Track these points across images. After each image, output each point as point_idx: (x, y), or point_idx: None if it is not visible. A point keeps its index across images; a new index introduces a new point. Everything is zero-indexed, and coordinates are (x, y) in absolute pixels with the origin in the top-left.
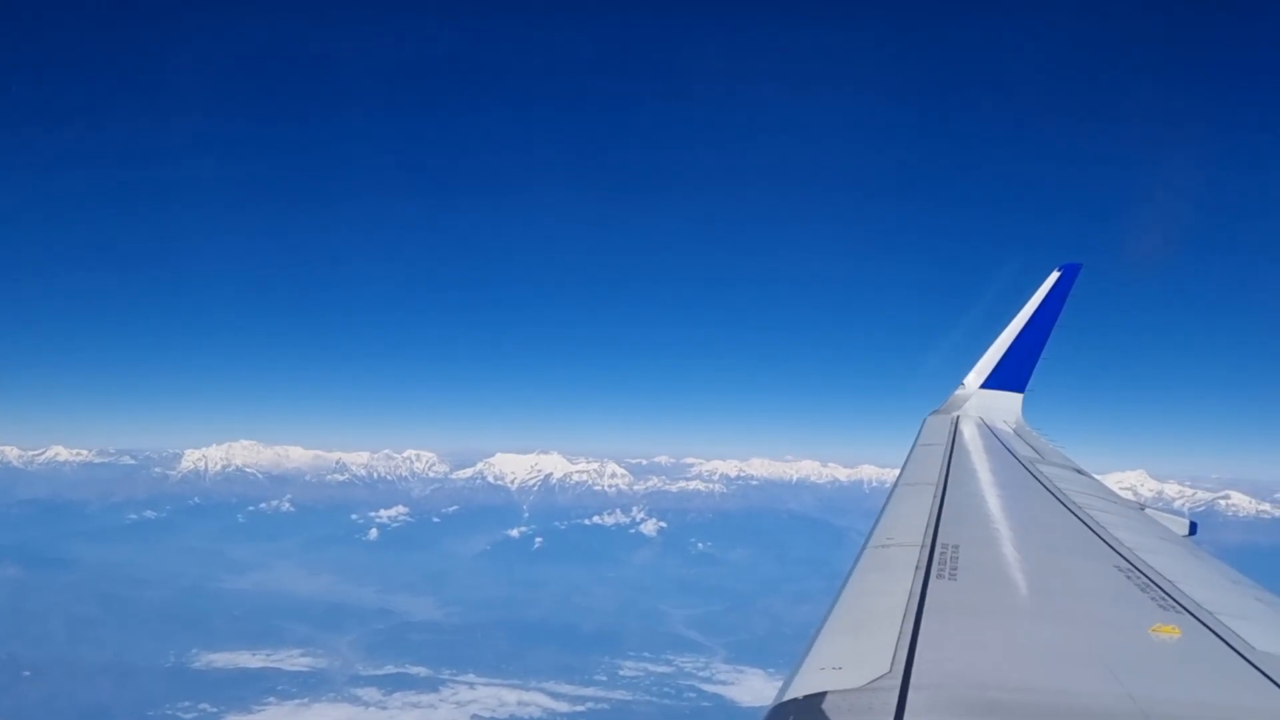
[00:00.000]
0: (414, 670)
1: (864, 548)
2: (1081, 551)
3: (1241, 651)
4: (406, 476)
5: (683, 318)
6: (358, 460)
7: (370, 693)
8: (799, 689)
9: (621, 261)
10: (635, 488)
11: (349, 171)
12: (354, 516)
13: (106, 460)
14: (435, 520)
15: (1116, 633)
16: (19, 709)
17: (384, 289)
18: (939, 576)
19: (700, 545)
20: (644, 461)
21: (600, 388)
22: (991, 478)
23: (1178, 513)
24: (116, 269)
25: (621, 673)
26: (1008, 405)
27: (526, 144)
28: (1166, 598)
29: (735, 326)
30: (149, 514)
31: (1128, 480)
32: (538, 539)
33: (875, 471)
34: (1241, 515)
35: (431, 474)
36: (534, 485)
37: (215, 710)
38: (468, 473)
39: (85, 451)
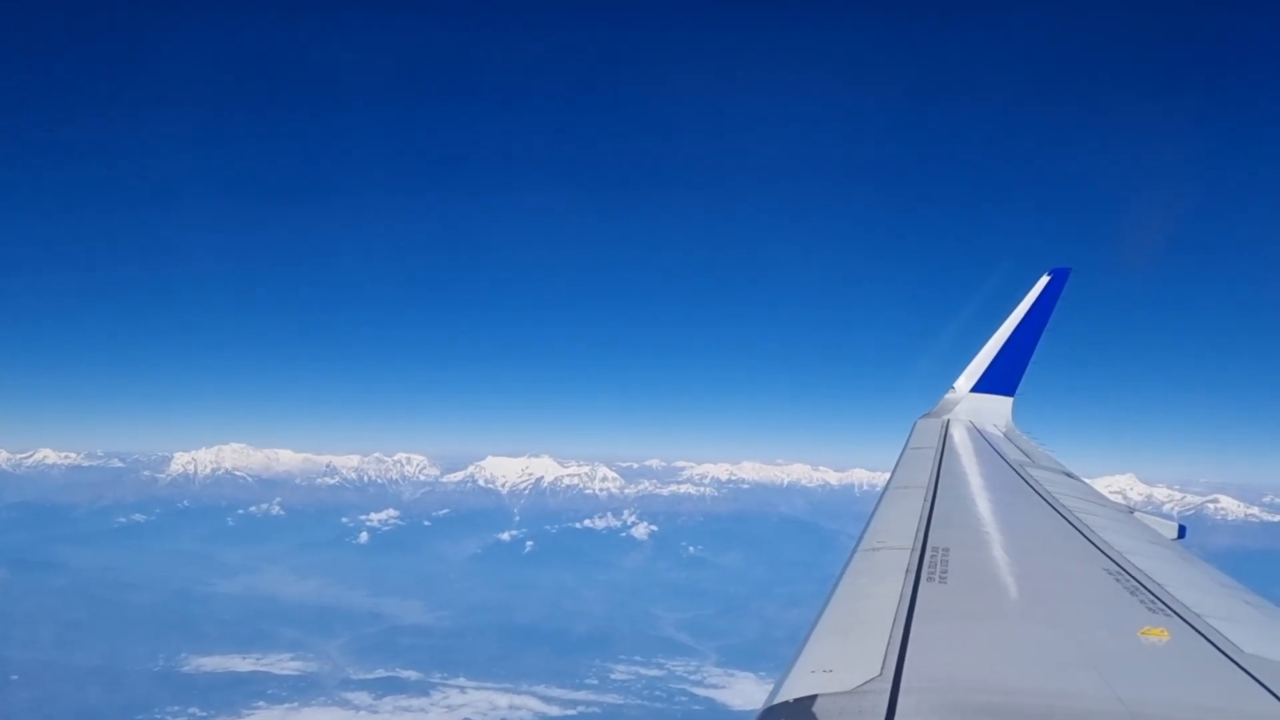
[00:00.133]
0: (405, 674)
1: (854, 551)
2: (1071, 554)
3: (1230, 654)
4: (397, 480)
5: (674, 322)
6: (348, 463)
7: (361, 697)
8: (790, 692)
9: (614, 265)
10: (626, 491)
11: (340, 174)
12: (344, 520)
13: (95, 463)
14: (426, 523)
15: (1106, 635)
16: (8, 713)
17: (375, 292)
18: (929, 579)
19: (691, 549)
20: (635, 465)
21: (592, 391)
22: (982, 481)
23: (1167, 516)
24: (105, 270)
25: (613, 676)
26: (998, 409)
27: (519, 147)
28: (1155, 600)
29: (727, 330)
30: (138, 517)
31: (1117, 484)
32: (529, 542)
33: (866, 475)
34: (1230, 519)
35: (422, 477)
36: (525, 489)
37: (205, 714)
38: (458, 476)
39: (73, 454)
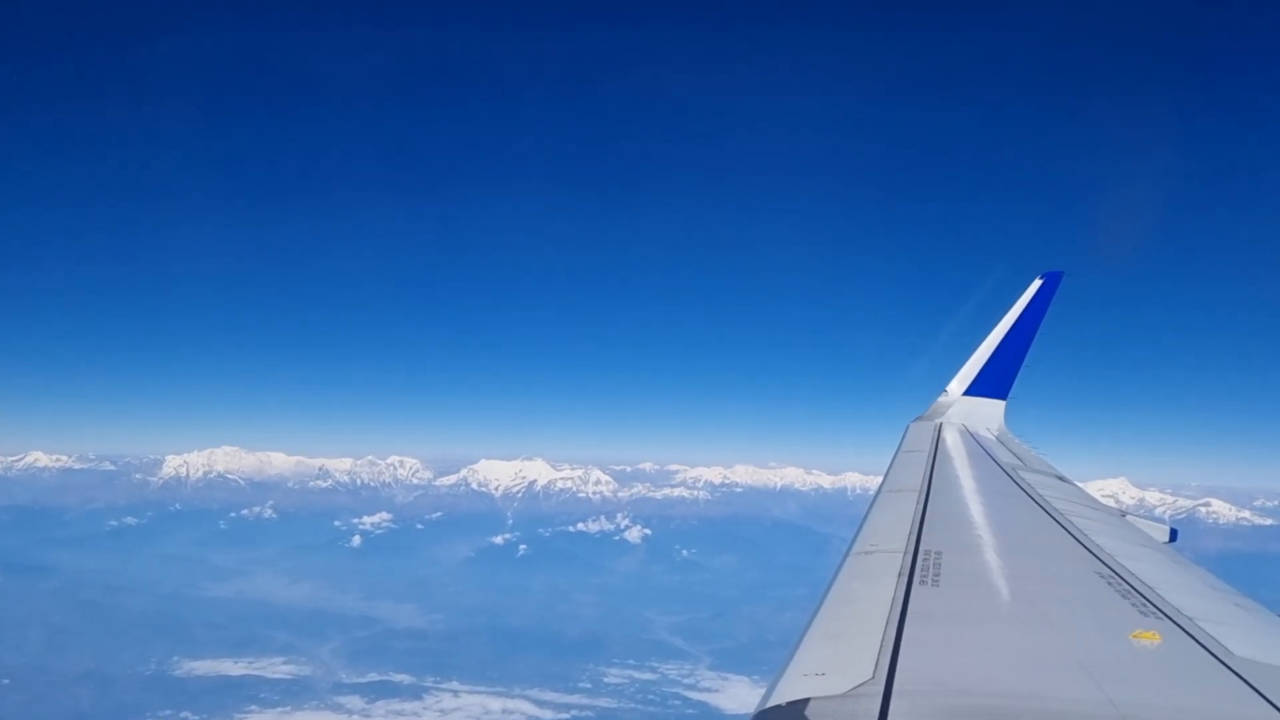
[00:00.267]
0: (397, 678)
1: (847, 554)
2: (1063, 558)
3: (1221, 657)
4: (390, 483)
5: (667, 325)
6: (341, 466)
7: (353, 700)
8: (782, 695)
9: (607, 268)
10: (620, 495)
11: (333, 177)
12: (337, 523)
13: (86, 466)
14: (419, 527)
15: (1098, 638)
16: None
17: (368, 294)
18: (922, 583)
19: (685, 552)
20: (628, 468)
21: (585, 394)
22: (974, 484)
23: (1159, 519)
24: (96, 272)
25: (606, 680)
26: (990, 412)
27: (512, 150)
28: (1147, 604)
29: (720, 334)
30: (129, 520)
31: (1109, 487)
32: (522, 546)
33: (859, 479)
34: (1222, 522)
35: (415, 480)
36: (518, 492)
37: (197, 718)
38: (451, 479)
39: (65, 457)
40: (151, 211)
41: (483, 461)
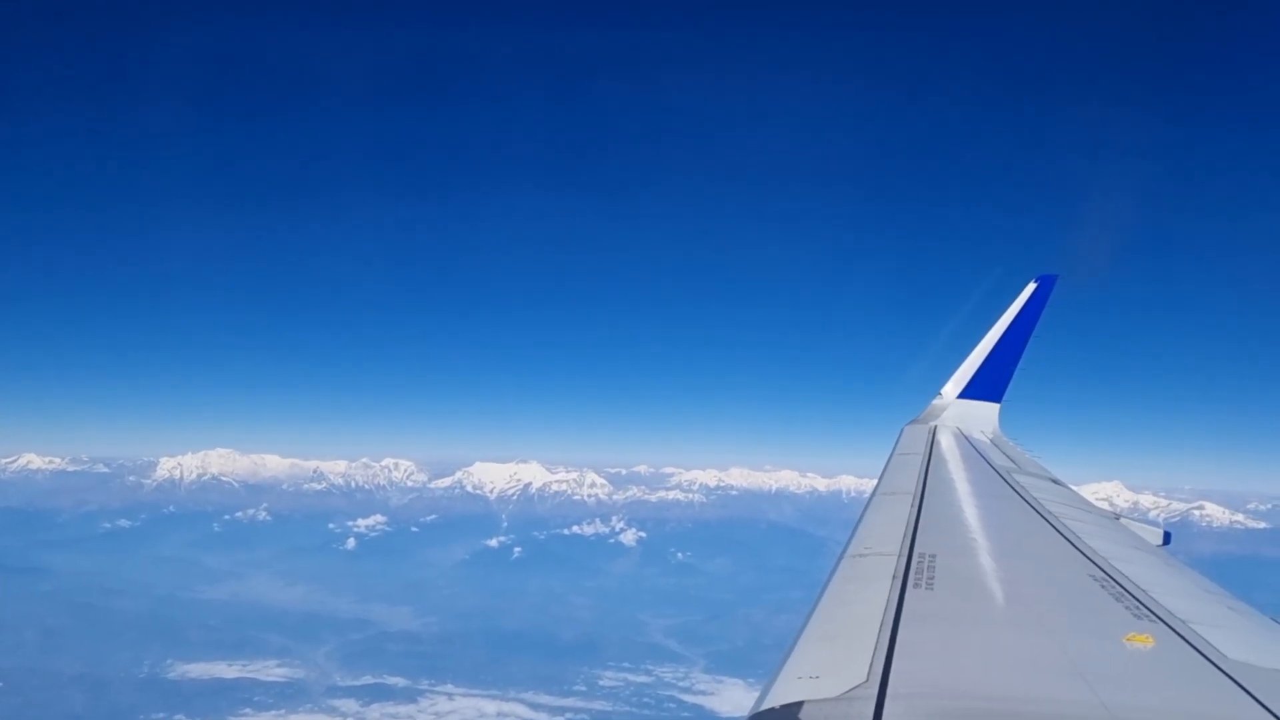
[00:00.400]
0: (392, 681)
1: (841, 557)
2: (1057, 561)
3: (1214, 660)
4: (384, 485)
5: (662, 327)
6: (335, 469)
7: (348, 703)
8: (776, 698)
9: (602, 271)
10: (614, 497)
11: (326, 180)
12: (331, 526)
13: (80, 468)
14: (413, 529)
15: (1091, 641)
16: None
17: (363, 296)
18: (916, 586)
19: (680, 555)
20: (623, 471)
21: (579, 397)
22: (968, 487)
23: (1152, 523)
24: (90, 274)
25: (601, 683)
26: (985, 415)
27: (507, 152)
28: (1140, 607)
29: (715, 337)
30: (123, 523)
31: (1104, 491)
32: (516, 548)
33: (854, 481)
34: (1215, 526)
35: (410, 483)
36: (513, 494)
37: None
38: (446, 482)
39: (58, 459)
40: (145, 213)
41: (477, 464)
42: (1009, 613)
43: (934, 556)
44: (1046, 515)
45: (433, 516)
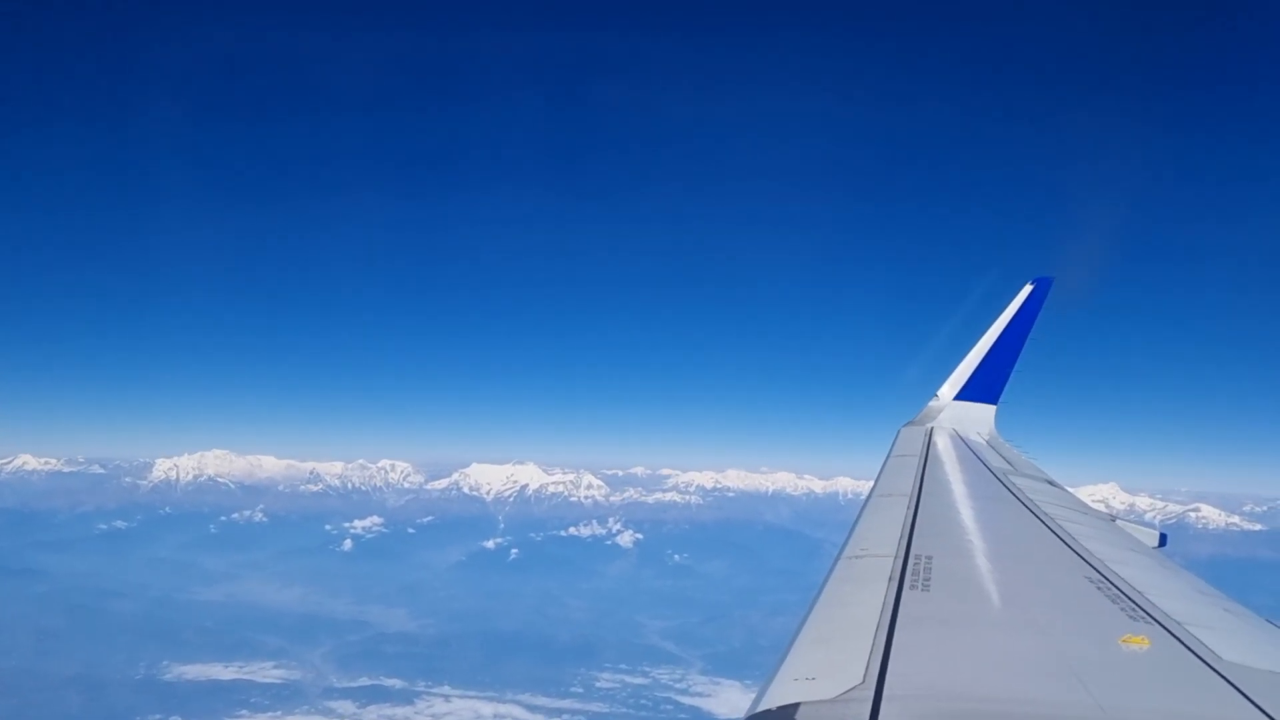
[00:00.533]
0: (388, 682)
1: (838, 559)
2: (1053, 562)
3: (1209, 662)
4: (381, 487)
5: (660, 329)
6: (332, 470)
7: (344, 705)
8: (773, 700)
9: (599, 273)
10: (611, 499)
11: (322, 182)
12: (328, 527)
13: (75, 469)
14: (410, 531)
15: (1087, 643)
16: None
17: (359, 297)
18: (912, 587)
19: (676, 557)
20: (620, 473)
21: (576, 399)
22: (965, 489)
23: (1148, 524)
24: (86, 274)
25: (598, 685)
26: (981, 417)
27: (503, 153)
28: (1136, 608)
29: (712, 339)
30: (119, 524)
31: (1100, 493)
32: (513, 550)
33: (851, 483)
34: (1211, 528)
35: (406, 484)
36: (510, 496)
37: None
38: (443, 483)
39: (54, 460)
40: (141, 214)
41: (474, 465)
42: (1005, 614)
43: (930, 558)
44: (1043, 517)
45: (429, 518)
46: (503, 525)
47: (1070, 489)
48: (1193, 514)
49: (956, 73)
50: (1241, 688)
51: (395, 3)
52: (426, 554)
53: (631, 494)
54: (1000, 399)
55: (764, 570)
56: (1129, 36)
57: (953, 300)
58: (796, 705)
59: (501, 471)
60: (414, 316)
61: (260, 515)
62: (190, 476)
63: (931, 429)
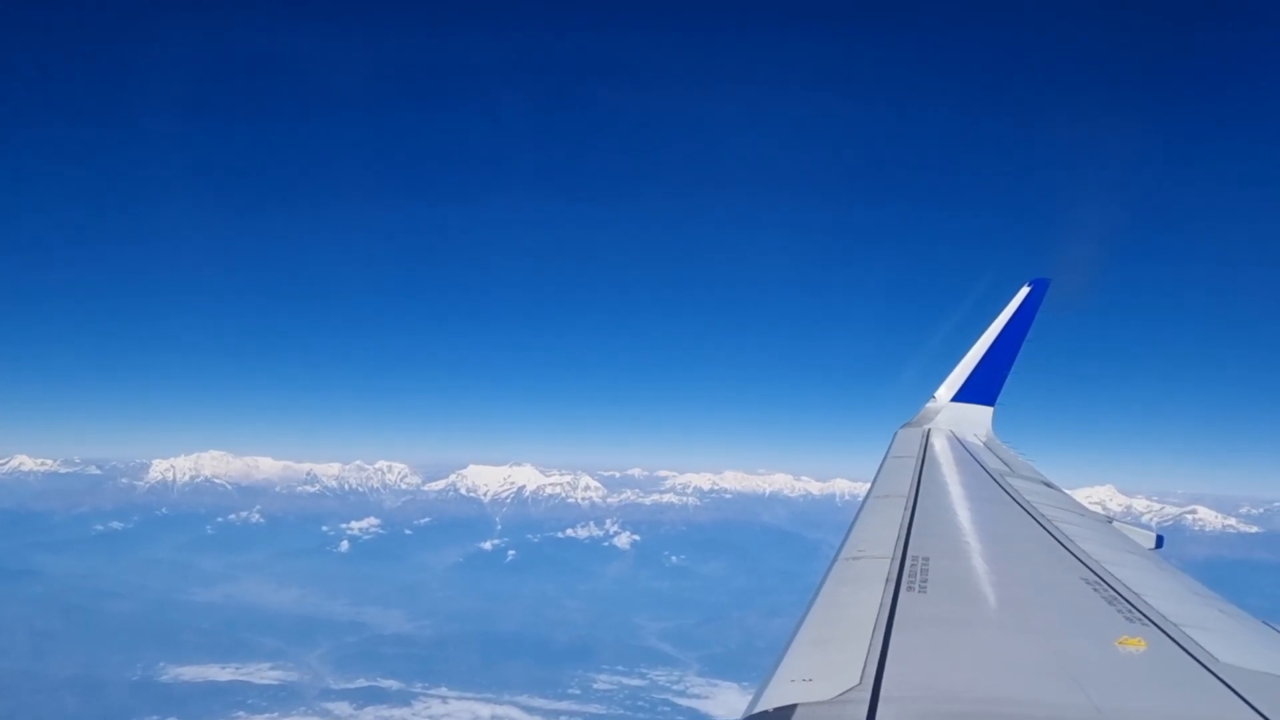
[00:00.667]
0: (386, 684)
1: (835, 560)
2: (1050, 564)
3: (1206, 664)
4: (378, 488)
5: (657, 331)
6: (329, 471)
7: (341, 707)
8: (769, 701)
9: (596, 274)
10: (609, 500)
11: (319, 183)
12: (325, 528)
13: (72, 470)
14: (407, 532)
15: (1084, 645)
16: None
17: (356, 299)
18: (909, 589)
19: (674, 558)
20: (617, 474)
21: (574, 400)
22: (962, 490)
23: (1145, 526)
24: (83, 275)
25: (595, 686)
26: (978, 418)
27: (499, 155)
28: (1133, 610)
29: (709, 340)
30: (115, 525)
31: (1097, 495)
32: (511, 551)
33: (848, 485)
34: (1208, 530)
35: (403, 486)
36: (507, 497)
37: None
38: (440, 485)
39: (50, 461)
40: (138, 215)
41: (471, 467)
42: (1002, 616)
43: (927, 559)
44: (1040, 518)
45: (426, 519)
46: (500, 526)
47: (1067, 491)
48: (1189, 516)
49: (954, 75)
50: (1238, 689)
51: (395, 5)
52: (424, 555)
53: (629, 495)
54: (997, 400)
55: (761, 572)
56: (1125, 37)
57: (950, 302)
58: (794, 706)
59: (499, 473)
60: (411, 318)
61: (257, 516)
62: (187, 477)
63: (929, 430)
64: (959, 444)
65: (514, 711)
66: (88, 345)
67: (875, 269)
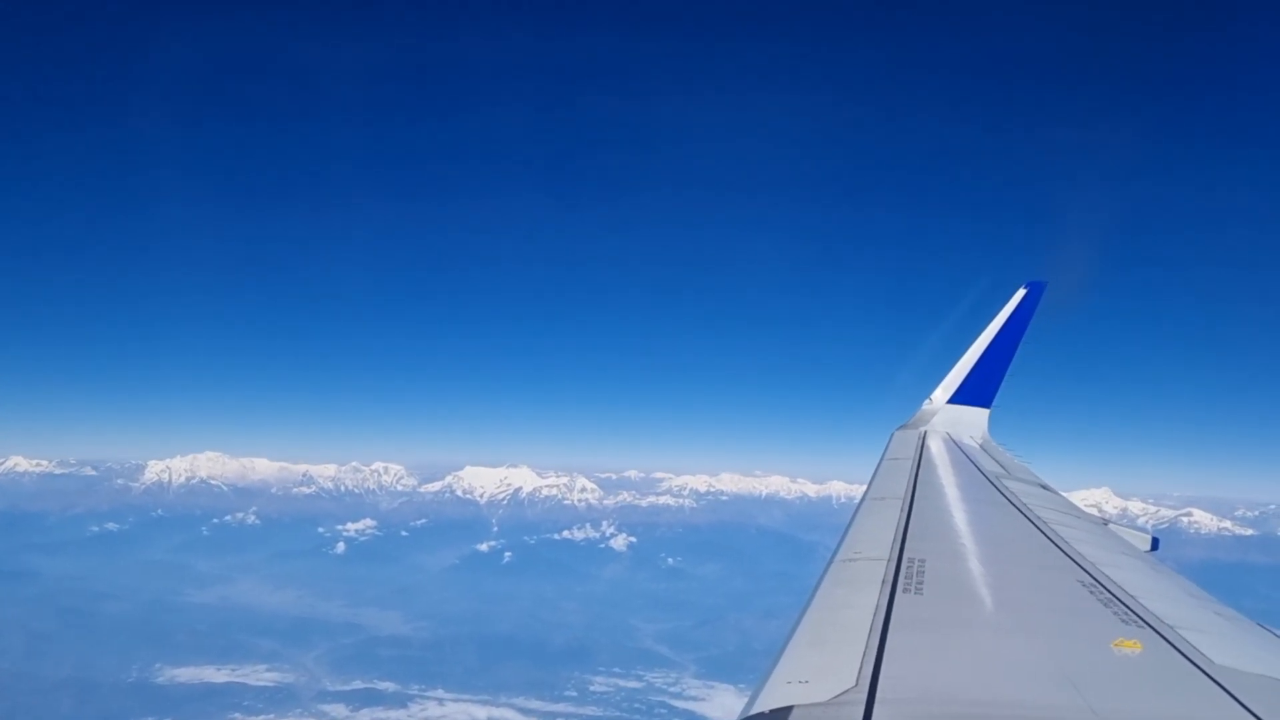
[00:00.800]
0: (382, 686)
1: (831, 562)
2: (1046, 566)
3: (1201, 666)
4: (374, 489)
5: (654, 333)
6: (325, 473)
7: (338, 708)
8: (765, 703)
9: (593, 276)
10: (605, 502)
11: (315, 185)
12: (321, 530)
13: (67, 471)
14: (403, 534)
15: (1080, 646)
16: None
17: (352, 300)
18: (905, 590)
19: (670, 560)
20: (614, 476)
21: (570, 401)
22: (958, 492)
23: (1141, 529)
24: (78, 275)
25: (592, 688)
26: (974, 420)
27: (495, 157)
28: (1129, 612)
29: (706, 342)
30: (111, 526)
31: (1093, 497)
32: (507, 553)
33: (844, 487)
34: (1203, 532)
35: (399, 487)
36: (503, 499)
37: None
38: (436, 486)
39: (45, 462)
40: (134, 216)
41: (468, 468)
42: (998, 618)
43: (923, 561)
44: (1036, 521)
45: (423, 521)
46: (496, 528)
47: (1063, 493)
48: (1185, 519)
49: (950, 78)
50: (1233, 691)
51: (396, 7)
52: (420, 557)
53: (625, 497)
54: (993, 403)
55: (758, 574)
56: (1121, 41)
57: (946, 304)
58: (790, 708)
59: (495, 474)
60: (407, 319)
61: (253, 518)
62: (183, 479)
63: (925, 432)
64: (955, 446)
65: (510, 713)
66: (83, 346)
67: (871, 272)
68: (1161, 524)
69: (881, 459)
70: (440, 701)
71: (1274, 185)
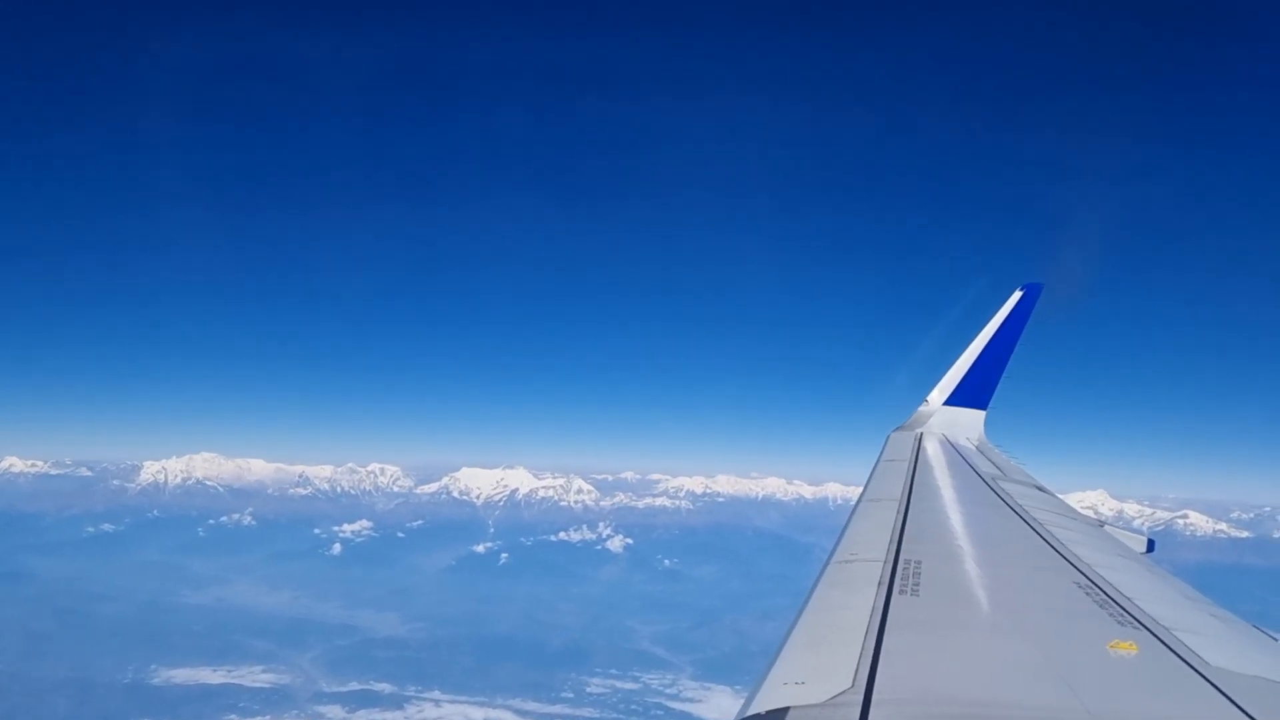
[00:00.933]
0: (378, 687)
1: (827, 563)
2: (1042, 567)
3: (1197, 667)
4: (370, 491)
5: (650, 335)
6: (321, 474)
7: (334, 710)
8: (762, 704)
9: (590, 278)
10: (602, 504)
11: (313, 186)
12: (317, 531)
13: (63, 471)
14: (400, 535)
15: (1075, 648)
16: None
17: (349, 300)
18: (901, 592)
19: (667, 562)
20: (610, 478)
21: (567, 403)
22: (954, 494)
23: (1137, 531)
24: (74, 276)
25: (588, 690)
26: (970, 422)
27: (493, 159)
28: (1124, 614)
29: (702, 344)
30: (106, 527)
31: (1088, 499)
32: (503, 555)
33: (840, 489)
34: (1199, 534)
35: (396, 488)
36: (500, 500)
37: None
38: (433, 487)
39: (41, 462)
40: (132, 217)
41: (464, 469)
42: (994, 619)
43: (920, 563)
44: (1032, 522)
45: (419, 522)
46: (493, 530)
47: (1059, 495)
48: (1181, 521)
49: (948, 79)
50: (1228, 692)
51: (396, 9)
52: (416, 558)
53: (622, 499)
54: (990, 404)
55: (754, 575)
56: (1119, 44)
57: (943, 306)
58: (786, 709)
59: (492, 476)
60: (404, 320)
61: (249, 519)
62: (179, 479)
63: (921, 434)
64: (951, 448)
65: (507, 715)
66: (79, 347)
67: (868, 274)
68: (1157, 526)
69: (878, 461)
70: (437, 703)
71: (1267, 189)
